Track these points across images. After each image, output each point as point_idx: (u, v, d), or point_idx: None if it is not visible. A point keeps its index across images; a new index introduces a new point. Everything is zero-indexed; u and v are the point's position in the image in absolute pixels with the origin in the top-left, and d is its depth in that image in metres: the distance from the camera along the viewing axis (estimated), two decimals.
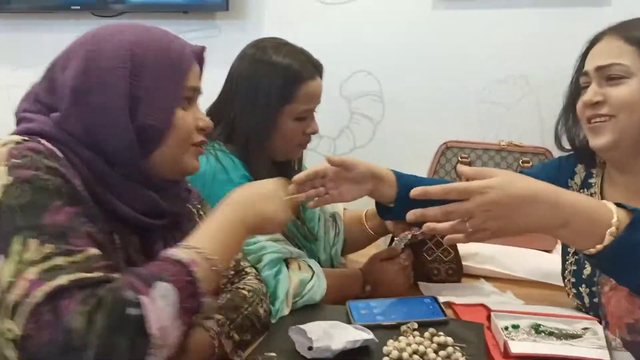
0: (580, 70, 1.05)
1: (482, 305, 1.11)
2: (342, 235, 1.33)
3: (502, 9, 1.59)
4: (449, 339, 0.87)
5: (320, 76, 1.18)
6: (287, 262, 1.05)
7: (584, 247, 0.75)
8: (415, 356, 0.84)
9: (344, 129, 1.80)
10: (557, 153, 1.49)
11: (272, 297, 0.99)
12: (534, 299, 1.19)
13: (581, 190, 1.09)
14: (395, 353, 0.84)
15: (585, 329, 0.97)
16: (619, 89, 0.96)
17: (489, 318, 1.04)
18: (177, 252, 0.68)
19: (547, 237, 1.31)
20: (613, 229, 0.72)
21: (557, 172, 1.12)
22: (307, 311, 1.02)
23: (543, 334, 0.95)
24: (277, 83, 1.11)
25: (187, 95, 0.79)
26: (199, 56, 0.83)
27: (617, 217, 0.73)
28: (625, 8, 1.50)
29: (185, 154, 0.81)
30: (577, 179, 1.10)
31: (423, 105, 1.71)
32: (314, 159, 1.37)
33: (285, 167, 1.22)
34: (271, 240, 1.05)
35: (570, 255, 1.08)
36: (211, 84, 1.02)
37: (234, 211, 0.77)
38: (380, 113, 1.76)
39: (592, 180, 1.08)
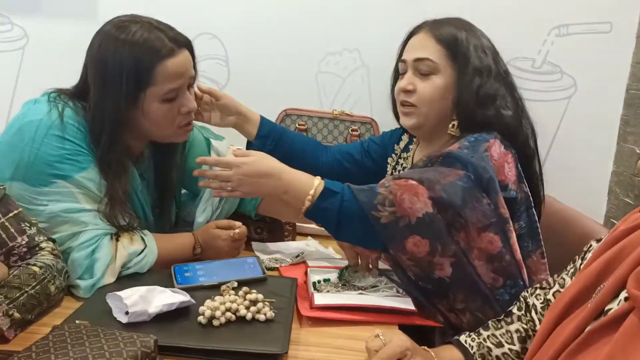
0: (399, 58, 1.25)
1: (305, 262, 1.24)
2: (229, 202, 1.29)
3: None
4: (260, 296, 0.97)
5: (189, 49, 1.10)
6: (117, 235, 1.06)
7: (298, 209, 1.03)
8: (228, 313, 0.93)
9: None
10: (381, 123, 1.67)
11: (87, 274, 1.01)
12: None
13: (402, 153, 1.36)
14: (208, 312, 0.92)
15: (382, 280, 1.13)
16: (425, 84, 1.18)
17: (307, 273, 1.16)
18: None
19: None
20: (310, 197, 1.02)
21: (389, 137, 1.41)
22: (132, 277, 1.06)
23: (347, 286, 1.10)
24: (128, 66, 1.01)
25: None
26: None
27: (314, 190, 1.02)
28: None
29: None
30: (402, 144, 1.37)
31: (267, 72, 1.75)
32: None
33: (169, 150, 1.20)
34: (99, 215, 1.04)
35: None
36: None
37: None
38: (225, 77, 1.78)
39: (411, 147, 1.34)
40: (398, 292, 1.08)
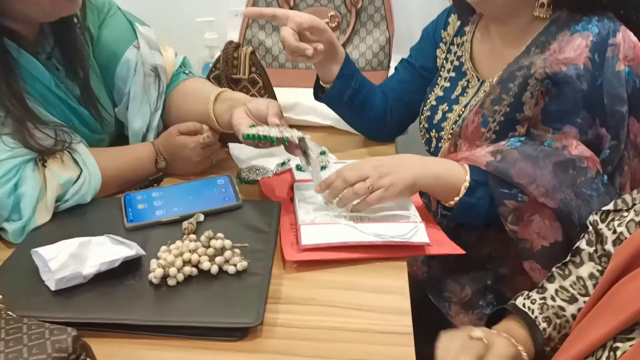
0: None
1: (290, 170, 0.99)
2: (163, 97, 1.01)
3: None
4: (227, 242, 0.74)
5: None
6: (44, 160, 0.82)
7: (445, 200, 0.86)
8: (187, 267, 0.73)
9: None
10: None
11: (15, 215, 0.79)
12: (350, 151, 1.11)
13: (454, 38, 1.04)
14: (159, 271, 0.71)
15: None
16: None
17: (292, 188, 0.94)
18: None
19: None
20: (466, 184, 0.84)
21: (433, 32, 1.09)
22: (73, 212, 0.84)
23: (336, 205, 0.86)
24: None
25: None
26: None
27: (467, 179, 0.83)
28: None
29: None
30: (450, 30, 1.06)
31: None
32: None
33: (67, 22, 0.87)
34: (6, 136, 0.79)
35: (427, 103, 1.06)
36: None
37: None
38: None
39: (466, 29, 1.03)
40: (406, 208, 0.85)
